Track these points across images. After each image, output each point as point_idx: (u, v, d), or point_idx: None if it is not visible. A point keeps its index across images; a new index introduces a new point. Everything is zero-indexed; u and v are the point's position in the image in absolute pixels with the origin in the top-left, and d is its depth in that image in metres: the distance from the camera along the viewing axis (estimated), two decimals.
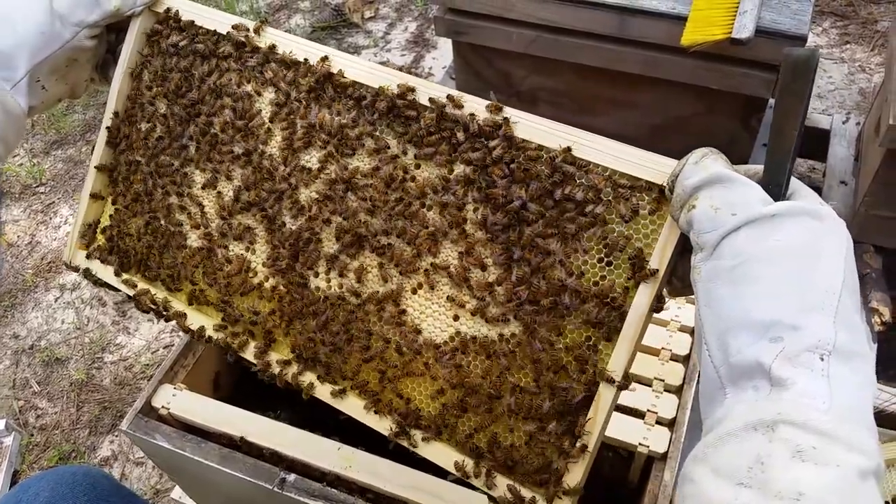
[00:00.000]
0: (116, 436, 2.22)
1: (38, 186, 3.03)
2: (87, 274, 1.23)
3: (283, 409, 1.57)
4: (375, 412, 1.00)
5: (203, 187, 1.10)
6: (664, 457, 1.21)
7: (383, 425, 0.99)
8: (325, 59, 1.00)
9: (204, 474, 1.30)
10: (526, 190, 0.87)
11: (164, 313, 1.16)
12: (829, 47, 3.15)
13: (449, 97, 0.92)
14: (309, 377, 1.05)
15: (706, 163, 0.70)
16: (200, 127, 1.09)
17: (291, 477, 1.21)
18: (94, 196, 1.20)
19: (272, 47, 1.03)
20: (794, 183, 0.70)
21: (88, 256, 1.22)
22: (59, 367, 2.42)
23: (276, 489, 1.20)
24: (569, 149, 0.85)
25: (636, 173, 0.82)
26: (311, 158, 1.02)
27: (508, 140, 0.88)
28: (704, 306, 0.67)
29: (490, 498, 0.94)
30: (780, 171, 0.69)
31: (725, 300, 0.64)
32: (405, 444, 0.98)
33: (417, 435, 0.98)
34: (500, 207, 0.89)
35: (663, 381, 1.29)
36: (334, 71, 0.99)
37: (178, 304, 1.15)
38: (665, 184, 0.77)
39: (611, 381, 0.83)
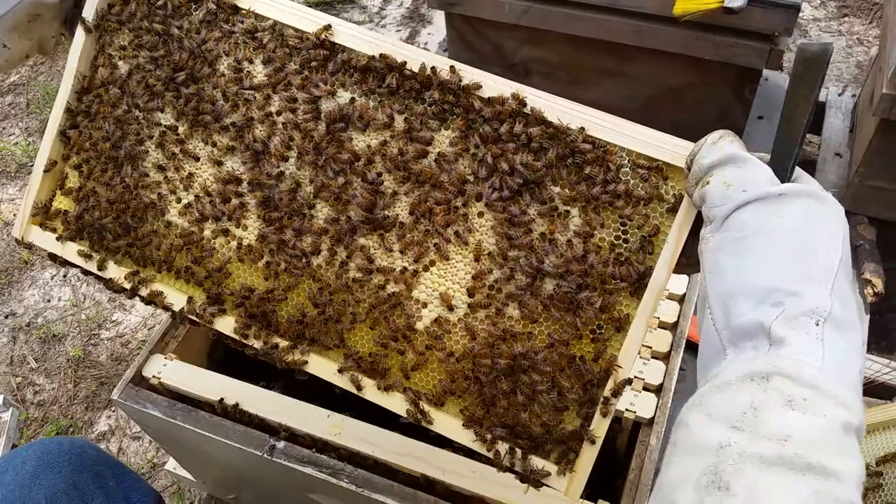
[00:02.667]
0: (114, 411, 2.23)
1: (33, 165, 3.03)
2: (53, 257, 1.16)
3: (277, 380, 1.58)
4: (386, 392, 0.99)
5: (187, 159, 1.06)
6: (651, 422, 1.22)
7: (398, 406, 0.98)
8: (327, 27, 0.97)
9: (195, 443, 1.32)
10: (545, 168, 0.89)
11: (141, 295, 1.10)
12: (828, 20, 3.12)
13: (451, 69, 0.92)
14: (312, 358, 1.02)
15: (722, 144, 0.75)
16: (184, 95, 1.04)
17: (281, 444, 1.22)
18: (49, 168, 1.14)
19: (261, 13, 1.00)
20: (799, 170, 0.75)
21: (42, 226, 1.16)
22: (56, 343, 2.43)
23: (265, 456, 1.21)
24: (583, 129, 0.87)
25: (654, 154, 0.86)
26: (314, 132, 0.98)
27: (525, 118, 0.89)
28: (710, 273, 0.71)
29: (505, 470, 0.96)
30: (787, 156, 0.74)
31: (730, 269, 0.69)
32: (423, 423, 0.97)
33: (432, 412, 0.97)
34: (517, 184, 0.90)
35: (651, 347, 1.29)
36: (337, 41, 0.96)
37: (158, 284, 1.10)
38: (684, 163, 0.81)
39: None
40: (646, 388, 1.25)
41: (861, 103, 2.18)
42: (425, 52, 0.94)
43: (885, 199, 1.96)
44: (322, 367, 1.03)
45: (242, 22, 1.01)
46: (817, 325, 0.62)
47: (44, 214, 1.16)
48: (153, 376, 1.32)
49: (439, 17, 3.26)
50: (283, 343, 1.04)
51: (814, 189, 0.70)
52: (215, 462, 1.43)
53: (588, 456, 0.91)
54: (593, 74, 2.09)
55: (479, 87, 0.91)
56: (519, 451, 0.94)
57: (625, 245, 0.87)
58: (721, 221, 0.71)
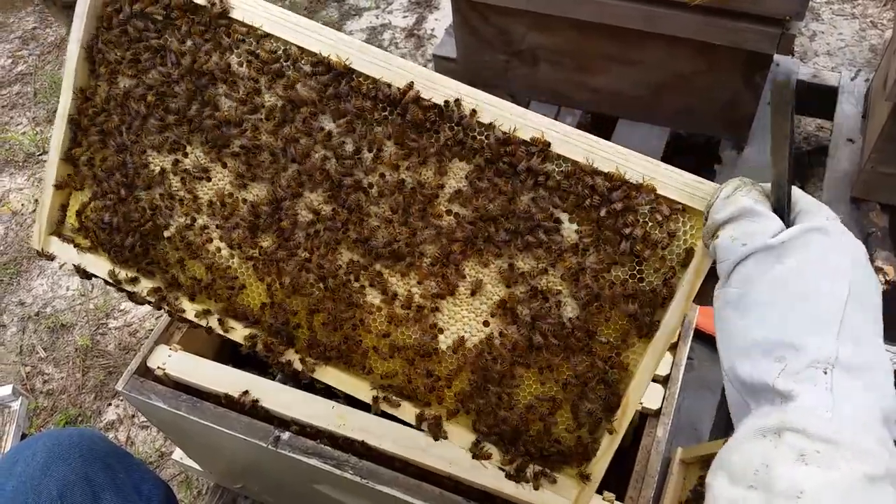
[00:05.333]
0: (122, 400, 2.24)
1: (41, 154, 3.03)
2: (77, 269, 1.15)
3: (284, 373, 1.58)
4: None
5: (197, 182, 1.03)
6: (657, 413, 1.21)
7: (411, 413, 1.00)
8: (349, 69, 0.91)
9: (201, 434, 1.32)
10: (562, 207, 0.87)
11: (165, 308, 1.09)
12: (840, 2, 3.07)
13: (456, 102, 0.87)
14: (338, 375, 1.03)
15: (735, 197, 0.73)
16: (186, 115, 0.99)
17: (286, 435, 1.21)
18: (61, 185, 1.10)
19: (268, 31, 0.93)
20: (804, 200, 0.72)
21: (61, 237, 1.14)
22: (64, 333, 2.44)
23: (270, 447, 1.21)
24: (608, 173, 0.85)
25: (674, 196, 0.82)
26: (328, 163, 0.95)
27: (544, 154, 0.86)
28: (719, 331, 0.70)
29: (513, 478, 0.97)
30: (782, 190, 0.71)
31: (735, 326, 0.68)
32: (436, 436, 0.99)
33: (448, 426, 0.99)
34: (531, 222, 0.88)
35: None
36: (355, 68, 0.91)
37: (182, 300, 1.09)
38: (703, 208, 0.80)
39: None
40: (653, 380, 1.24)
41: (874, 88, 2.14)
42: (450, 82, 0.89)
43: None
44: (339, 380, 1.04)
45: (244, 40, 0.95)
46: (825, 373, 0.61)
47: (60, 226, 1.14)
48: (158, 367, 1.32)
49: (446, 1, 3.23)
50: (307, 359, 1.04)
51: (817, 223, 0.67)
52: (221, 453, 1.43)
53: (598, 469, 0.92)
54: (601, 61, 2.06)
55: (511, 134, 0.87)
56: (530, 465, 0.96)
57: (640, 284, 0.86)
58: (726, 277, 0.70)
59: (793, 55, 2.13)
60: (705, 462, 1.38)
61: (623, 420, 0.89)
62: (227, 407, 1.27)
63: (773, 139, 0.70)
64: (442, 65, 2.49)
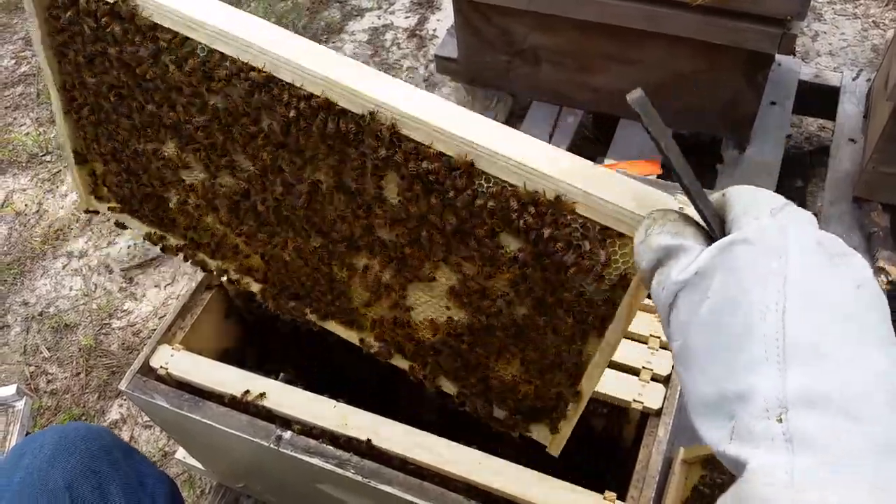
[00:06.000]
0: (125, 400, 2.25)
1: (44, 155, 3.04)
2: (118, 224, 1.25)
3: (286, 373, 1.59)
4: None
5: (182, 170, 1.08)
6: (659, 413, 1.21)
7: (404, 364, 1.08)
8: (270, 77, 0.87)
9: (203, 434, 1.32)
10: (495, 224, 0.82)
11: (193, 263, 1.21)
12: (843, 2, 3.07)
13: (371, 114, 0.82)
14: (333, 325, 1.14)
15: (650, 240, 0.61)
16: (146, 113, 1.01)
17: (287, 434, 1.22)
18: (80, 161, 1.18)
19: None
20: (738, 205, 0.59)
21: (99, 199, 1.23)
22: (67, 333, 2.45)
23: (272, 446, 1.21)
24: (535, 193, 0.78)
25: (609, 224, 0.75)
26: (279, 162, 0.95)
27: (465, 175, 0.81)
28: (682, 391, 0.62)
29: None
30: (706, 209, 0.61)
31: (686, 384, 0.57)
32: (427, 383, 1.07)
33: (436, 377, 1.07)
34: (468, 236, 0.85)
35: (659, 337, 1.28)
36: (279, 76, 0.87)
37: (209, 260, 1.19)
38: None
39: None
40: (654, 379, 1.24)
41: (875, 88, 2.15)
42: (377, 86, 0.82)
43: None
44: (340, 331, 1.14)
45: (168, 47, 0.92)
46: (779, 421, 0.48)
47: (96, 188, 1.23)
48: (161, 367, 1.33)
49: (448, 2, 3.24)
50: (309, 313, 1.14)
51: (739, 233, 0.55)
52: (223, 452, 1.43)
53: (567, 427, 0.97)
54: (602, 61, 2.06)
55: (426, 146, 0.82)
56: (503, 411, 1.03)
57: (580, 298, 0.82)
58: (667, 329, 0.60)
59: (794, 55, 2.13)
60: (707, 462, 1.39)
61: (582, 400, 0.92)
62: (229, 406, 1.28)
63: (670, 155, 0.61)
64: (444, 65, 2.49)
